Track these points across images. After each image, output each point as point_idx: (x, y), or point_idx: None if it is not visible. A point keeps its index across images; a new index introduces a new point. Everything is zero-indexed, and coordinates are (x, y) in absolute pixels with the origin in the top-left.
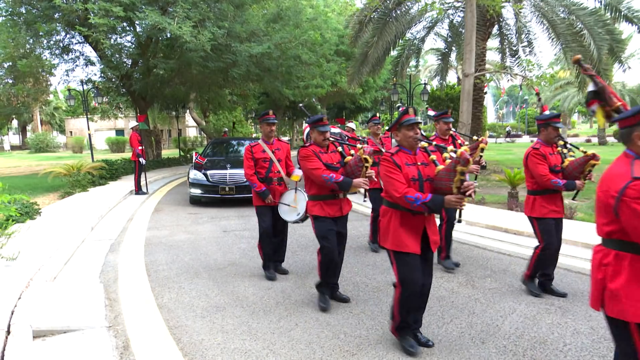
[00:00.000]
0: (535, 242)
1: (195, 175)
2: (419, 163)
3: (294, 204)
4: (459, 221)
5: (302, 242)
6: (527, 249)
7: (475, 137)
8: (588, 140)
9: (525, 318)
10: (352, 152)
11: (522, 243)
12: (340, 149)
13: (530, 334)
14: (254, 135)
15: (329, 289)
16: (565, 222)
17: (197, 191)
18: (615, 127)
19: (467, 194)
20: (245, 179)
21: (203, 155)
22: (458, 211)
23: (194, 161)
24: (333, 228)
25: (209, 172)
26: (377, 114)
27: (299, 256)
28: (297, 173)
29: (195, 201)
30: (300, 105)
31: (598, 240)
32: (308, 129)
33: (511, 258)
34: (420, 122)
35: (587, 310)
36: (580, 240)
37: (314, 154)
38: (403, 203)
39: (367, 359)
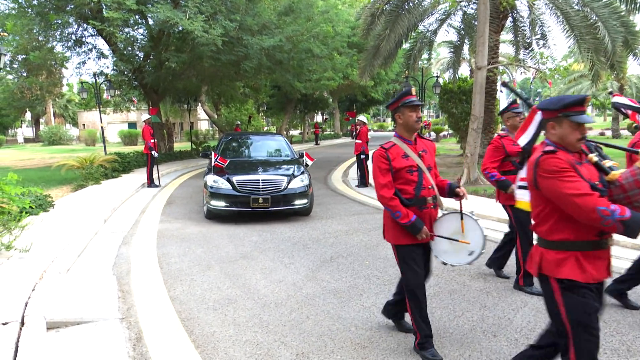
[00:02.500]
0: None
1: (217, 182)
2: None
3: (462, 237)
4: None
5: (314, 235)
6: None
7: None
8: (602, 134)
9: (537, 311)
10: (610, 163)
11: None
12: (594, 157)
13: (542, 327)
14: (265, 128)
15: None
16: None
17: (219, 203)
18: (629, 120)
19: None
20: (281, 187)
21: (218, 153)
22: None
23: (212, 164)
24: (597, 306)
25: (235, 179)
26: (517, 101)
27: (311, 249)
28: (521, 197)
29: (214, 216)
30: (505, 83)
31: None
32: (537, 120)
33: None
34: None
35: None
36: None
37: (571, 167)
38: None
39: (378, 352)
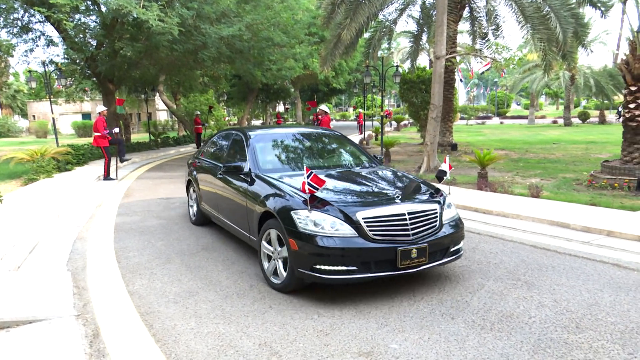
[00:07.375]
0: (506, 221)
1: (320, 223)
2: None
3: None
4: None
5: None
6: (495, 227)
7: None
8: (554, 122)
9: (493, 293)
10: None
11: (491, 222)
12: None
13: (497, 309)
14: (226, 119)
15: None
16: (531, 200)
17: (336, 267)
18: (580, 108)
19: None
20: (436, 224)
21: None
22: None
23: (305, 188)
24: None
25: (362, 215)
26: None
27: None
28: None
29: (312, 286)
30: None
31: (563, 217)
32: None
33: (480, 236)
34: None
35: (551, 284)
36: (546, 217)
37: None
38: None
39: (340, 337)
